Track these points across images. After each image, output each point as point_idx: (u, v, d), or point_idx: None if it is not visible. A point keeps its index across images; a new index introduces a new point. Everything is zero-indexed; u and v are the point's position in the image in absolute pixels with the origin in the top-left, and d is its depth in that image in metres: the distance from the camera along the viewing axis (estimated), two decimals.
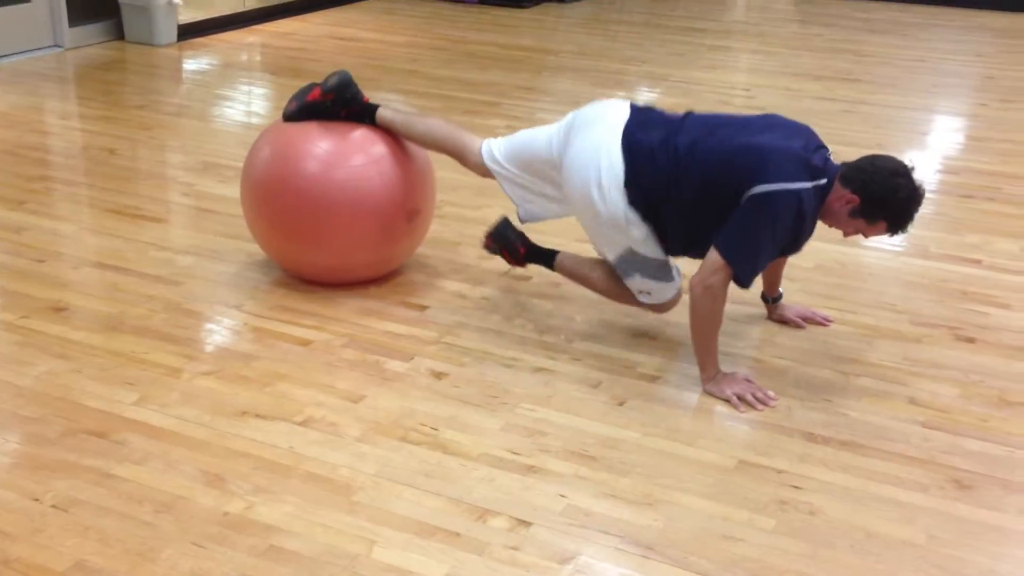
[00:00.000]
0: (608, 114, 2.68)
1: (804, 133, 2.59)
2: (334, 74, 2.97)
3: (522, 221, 2.93)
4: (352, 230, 2.93)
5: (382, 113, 2.97)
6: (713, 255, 2.51)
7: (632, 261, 2.70)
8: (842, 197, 2.50)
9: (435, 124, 3.00)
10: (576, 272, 2.92)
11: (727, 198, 2.49)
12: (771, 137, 2.53)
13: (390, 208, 2.95)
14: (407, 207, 2.99)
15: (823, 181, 2.50)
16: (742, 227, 2.48)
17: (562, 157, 2.71)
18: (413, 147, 3.03)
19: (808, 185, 2.47)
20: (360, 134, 2.95)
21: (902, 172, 2.50)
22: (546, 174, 2.79)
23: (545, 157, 2.77)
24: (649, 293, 2.74)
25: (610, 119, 2.66)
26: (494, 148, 2.87)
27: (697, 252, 2.63)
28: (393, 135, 2.99)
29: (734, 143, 2.53)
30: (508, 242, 3.02)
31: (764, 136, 2.53)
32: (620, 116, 2.66)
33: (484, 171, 2.90)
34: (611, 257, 2.74)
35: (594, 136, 2.64)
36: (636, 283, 2.73)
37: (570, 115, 2.77)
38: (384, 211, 2.94)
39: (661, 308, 2.80)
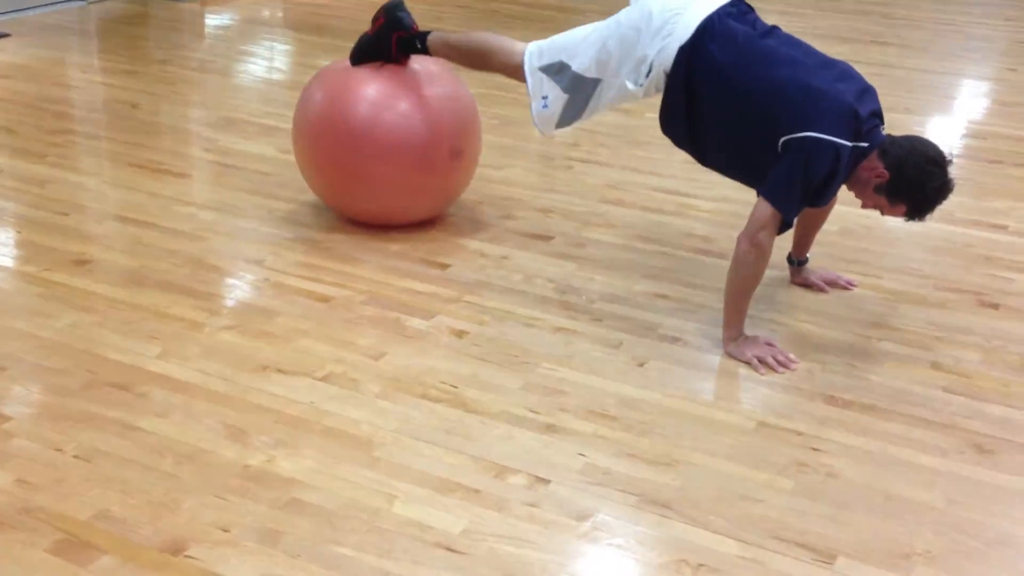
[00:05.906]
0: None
1: (870, 97, 2.55)
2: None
3: (535, 124, 2.84)
4: (392, 165, 2.99)
5: (434, 36, 2.98)
6: (760, 208, 2.49)
7: (580, 84, 2.73)
8: (874, 169, 2.49)
9: (485, 34, 3.01)
10: (448, 42, 2.96)
11: (765, 124, 2.48)
12: (839, 87, 2.49)
13: (433, 144, 3.02)
14: (450, 145, 3.04)
15: (864, 145, 2.48)
16: (783, 172, 2.47)
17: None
18: (459, 89, 3.11)
19: (848, 144, 2.44)
20: (406, 77, 3.03)
21: (939, 162, 2.47)
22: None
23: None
24: (546, 103, 2.78)
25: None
26: (541, 43, 2.85)
27: (688, 147, 2.72)
28: (440, 73, 3.06)
29: (801, 78, 2.48)
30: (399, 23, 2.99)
31: (833, 84, 2.49)
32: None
33: (519, 69, 2.86)
34: (577, 63, 2.72)
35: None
36: (547, 89, 2.77)
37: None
38: (427, 147, 3.00)
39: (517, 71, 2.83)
